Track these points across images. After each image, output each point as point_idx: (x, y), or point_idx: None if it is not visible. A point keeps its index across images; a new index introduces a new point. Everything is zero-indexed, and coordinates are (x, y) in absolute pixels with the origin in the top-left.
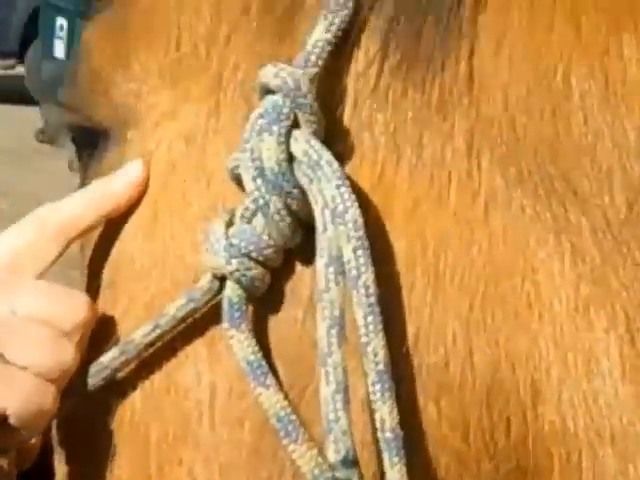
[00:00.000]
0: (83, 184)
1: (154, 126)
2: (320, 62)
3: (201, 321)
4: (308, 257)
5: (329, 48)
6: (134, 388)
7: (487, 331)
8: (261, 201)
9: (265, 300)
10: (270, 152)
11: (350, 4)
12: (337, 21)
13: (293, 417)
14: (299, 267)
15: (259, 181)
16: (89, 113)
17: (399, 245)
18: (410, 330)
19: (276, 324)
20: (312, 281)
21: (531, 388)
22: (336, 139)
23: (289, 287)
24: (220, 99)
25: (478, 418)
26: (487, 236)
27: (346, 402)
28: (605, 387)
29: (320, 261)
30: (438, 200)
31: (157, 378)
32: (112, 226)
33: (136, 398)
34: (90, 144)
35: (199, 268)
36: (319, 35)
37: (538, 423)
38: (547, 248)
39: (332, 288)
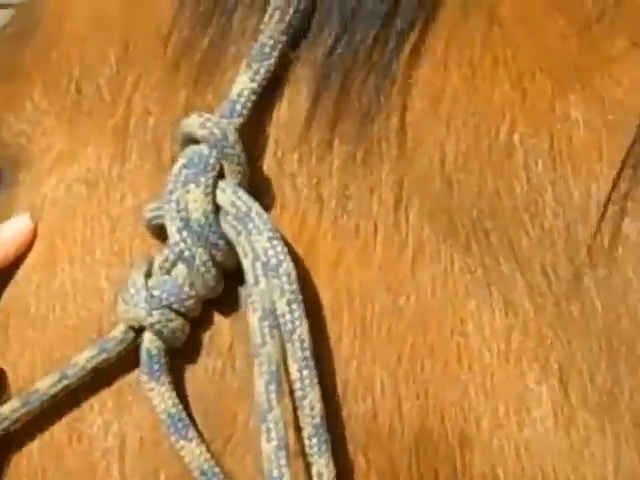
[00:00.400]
0: None
1: (49, 169)
2: (245, 112)
3: (107, 370)
4: (226, 306)
5: (254, 97)
6: (32, 437)
7: (416, 382)
8: (187, 253)
9: (182, 350)
10: (197, 204)
11: (275, 53)
12: (262, 70)
13: (217, 470)
14: (217, 317)
15: (185, 233)
16: None
17: (325, 296)
18: (339, 381)
19: (194, 375)
20: (231, 331)
21: (461, 438)
22: (256, 189)
23: (207, 337)
24: (127, 144)
25: (407, 468)
26: (415, 287)
27: (288, 458)
28: (537, 436)
29: (254, 315)
30: (363, 251)
31: (58, 427)
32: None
33: (34, 447)
34: None
35: (105, 316)
36: (244, 84)
37: (467, 473)
38: (476, 299)
39: (268, 342)
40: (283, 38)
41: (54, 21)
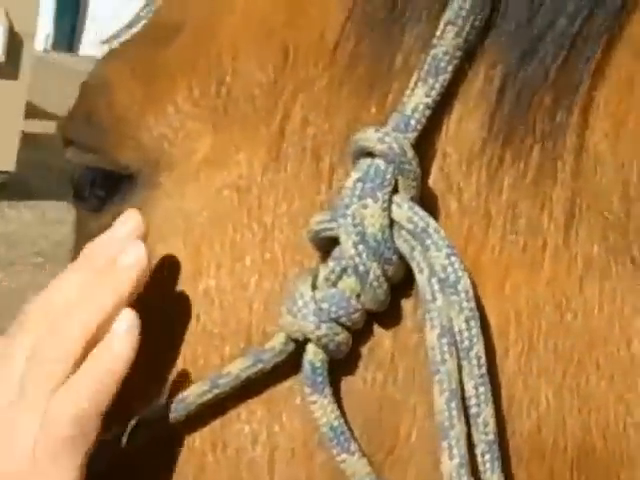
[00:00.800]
0: (86, 231)
1: (194, 173)
2: (419, 127)
3: (257, 379)
4: (387, 319)
5: (428, 113)
6: (175, 445)
7: (580, 397)
8: (361, 267)
9: (341, 362)
10: (374, 219)
11: (451, 68)
12: (437, 86)
13: None
14: (377, 329)
15: (360, 247)
16: (114, 156)
17: (492, 311)
18: (505, 397)
19: (353, 387)
20: (392, 343)
21: (622, 456)
22: (422, 203)
23: (367, 349)
24: (281, 153)
25: None
26: (582, 304)
27: (470, 475)
28: None
29: (432, 332)
30: (531, 267)
31: (202, 435)
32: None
33: (176, 454)
34: (110, 187)
35: (254, 326)
36: (419, 99)
37: None
38: None
39: (448, 360)
40: (458, 54)
41: (204, 23)
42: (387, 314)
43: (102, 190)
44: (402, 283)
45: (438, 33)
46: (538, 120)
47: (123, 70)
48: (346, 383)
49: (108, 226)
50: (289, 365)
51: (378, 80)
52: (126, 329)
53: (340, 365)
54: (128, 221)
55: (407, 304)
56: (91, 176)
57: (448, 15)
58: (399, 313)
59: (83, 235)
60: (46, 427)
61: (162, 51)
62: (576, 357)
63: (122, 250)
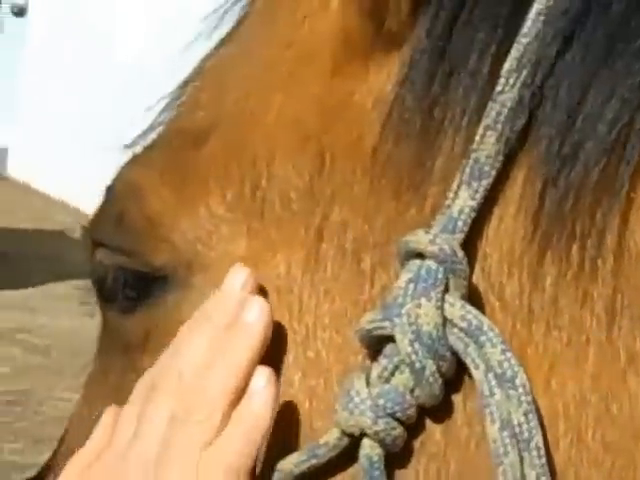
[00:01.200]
0: (119, 332)
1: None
2: (465, 228)
3: (312, 475)
4: (437, 412)
5: (473, 215)
6: None
7: None
8: (417, 365)
9: (396, 455)
10: (428, 317)
11: (494, 173)
12: (481, 189)
13: None
14: (429, 423)
15: (416, 345)
16: (148, 258)
17: (541, 404)
18: None
19: (413, 477)
20: (444, 436)
21: None
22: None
23: (418, 442)
24: (320, 253)
25: None
26: (626, 395)
27: None
28: None
29: (493, 426)
30: (576, 362)
31: None
32: None
33: None
34: (142, 288)
35: (303, 425)
36: (464, 202)
37: None
38: None
39: (510, 452)
40: (500, 158)
41: (236, 127)
42: (438, 408)
43: (134, 291)
44: (452, 379)
45: (478, 138)
46: (578, 221)
47: (151, 176)
48: (399, 476)
49: (143, 324)
50: (342, 460)
51: (416, 183)
52: (264, 385)
53: (393, 458)
54: (237, 274)
55: (457, 398)
56: (122, 278)
57: (487, 121)
58: (449, 407)
59: (113, 335)
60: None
61: (191, 155)
62: (624, 447)
63: (243, 306)
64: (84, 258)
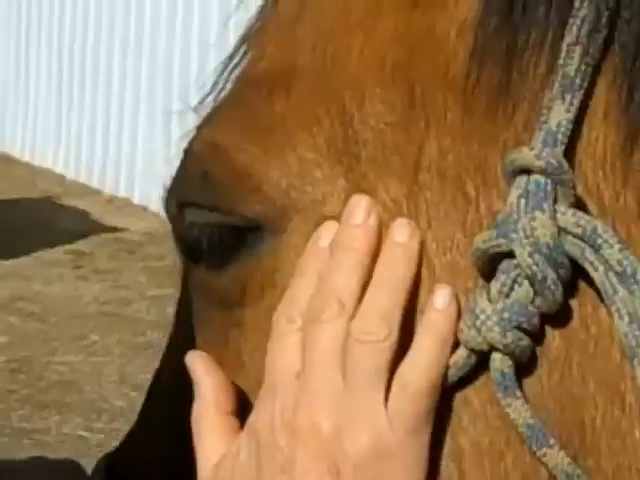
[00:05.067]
0: (212, 289)
1: (330, 213)
2: (565, 140)
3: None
4: (555, 319)
5: (571, 127)
6: None
7: None
8: (539, 275)
9: (520, 366)
10: (544, 229)
11: (585, 84)
12: (575, 101)
13: (579, 471)
14: (548, 330)
15: (536, 256)
16: (239, 212)
17: None
18: None
19: (534, 388)
20: (562, 341)
21: None
22: None
23: (540, 350)
24: (420, 183)
25: None
26: None
27: None
28: None
29: (622, 321)
30: None
31: None
32: None
33: None
34: (233, 242)
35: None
36: (562, 115)
37: None
38: None
39: None
40: (589, 70)
41: (318, 71)
42: (555, 315)
43: (227, 246)
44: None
45: (563, 54)
46: None
47: (232, 133)
48: (526, 385)
49: (239, 277)
50: (470, 377)
51: (507, 104)
52: (449, 302)
53: (518, 369)
54: (361, 204)
55: (571, 303)
56: (216, 234)
57: (570, 37)
58: (565, 313)
59: (204, 295)
60: (403, 400)
61: (270, 107)
62: None
63: (391, 228)
64: (72, 224)
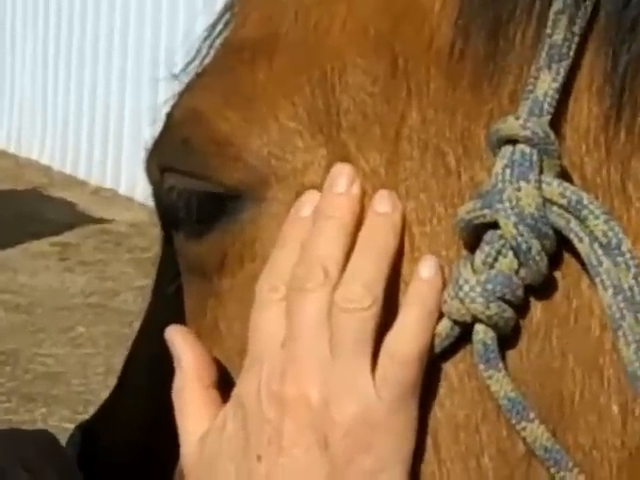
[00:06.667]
0: (190, 257)
1: (311, 181)
2: (552, 110)
3: None
4: (536, 291)
5: (557, 96)
6: None
7: None
8: (524, 245)
9: (501, 339)
10: (529, 199)
11: (572, 53)
12: (562, 70)
13: (558, 446)
14: (529, 302)
15: (521, 227)
16: (219, 179)
17: None
18: None
19: (514, 360)
20: (544, 314)
21: None
22: None
23: (521, 322)
24: (401, 153)
25: None
26: None
27: None
28: None
29: (607, 292)
30: None
31: None
32: None
33: None
34: (213, 209)
35: None
36: (548, 84)
37: None
38: None
39: (626, 315)
40: (576, 39)
41: (300, 40)
42: (537, 288)
43: (207, 213)
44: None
45: (550, 23)
46: None
47: (213, 100)
48: (506, 358)
49: (218, 246)
50: (452, 349)
51: (492, 75)
52: (435, 273)
53: (500, 342)
54: (343, 172)
55: (553, 276)
56: (195, 201)
57: (557, 5)
58: (547, 285)
59: (184, 263)
60: (391, 369)
61: (252, 75)
62: None
63: (374, 199)
64: (58, 215)
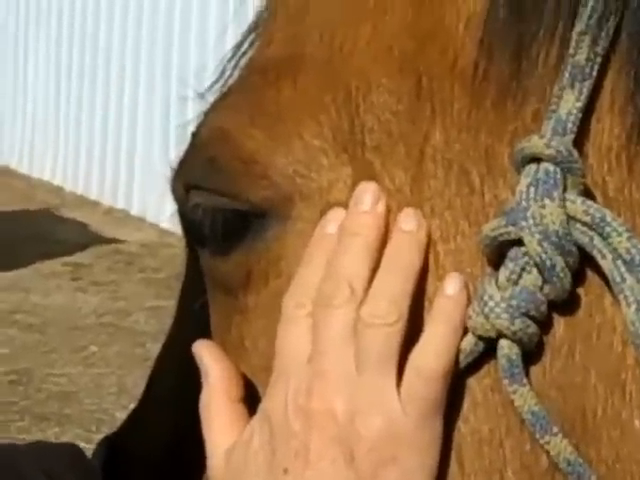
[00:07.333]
0: (217, 275)
1: (335, 201)
2: (575, 129)
3: None
4: (560, 308)
5: (580, 115)
6: None
7: None
8: (548, 262)
9: (525, 354)
10: (553, 216)
11: (594, 73)
12: (585, 90)
13: (581, 460)
14: (552, 318)
15: (545, 244)
16: (244, 197)
17: None
18: None
19: (538, 376)
20: (566, 330)
21: None
22: None
23: (544, 338)
24: (425, 172)
25: None
26: None
27: None
28: None
29: (630, 308)
30: None
31: None
32: None
33: None
34: (239, 227)
35: None
36: (571, 104)
37: None
38: None
39: None
40: (598, 59)
41: (326, 60)
42: (560, 304)
43: (232, 231)
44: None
45: (574, 43)
46: None
47: (239, 118)
48: (529, 373)
49: (243, 263)
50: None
51: (516, 94)
52: (460, 289)
53: (523, 357)
54: (368, 190)
55: (578, 292)
56: (220, 218)
57: (580, 26)
58: (570, 302)
59: (213, 278)
60: (417, 384)
61: (277, 94)
62: None
63: (399, 218)
64: (70, 235)
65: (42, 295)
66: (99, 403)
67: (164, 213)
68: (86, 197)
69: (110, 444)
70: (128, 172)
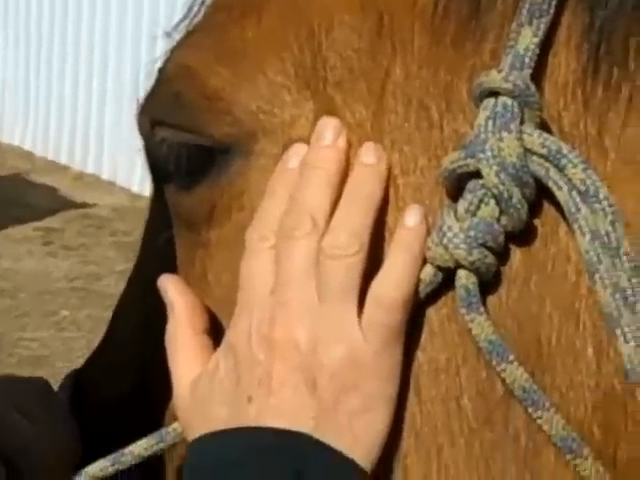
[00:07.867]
0: (181, 209)
1: (298, 134)
2: (532, 64)
3: None
4: (515, 238)
5: (537, 51)
6: None
7: None
8: (505, 194)
9: (481, 284)
10: (510, 149)
11: (552, 10)
12: (542, 26)
13: (535, 387)
14: (508, 248)
15: (502, 175)
16: (208, 133)
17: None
18: None
19: (494, 305)
20: (522, 260)
21: None
22: None
23: (501, 268)
24: (385, 107)
25: None
26: None
27: None
28: None
29: (584, 238)
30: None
31: None
32: None
33: None
34: (202, 163)
35: None
36: (529, 39)
37: None
38: None
39: (603, 260)
40: None
41: (287, 1)
42: (516, 235)
43: (196, 166)
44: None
45: None
46: (617, 46)
47: (204, 56)
48: (486, 303)
49: (207, 198)
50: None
51: (475, 32)
52: (420, 221)
53: (481, 287)
54: (330, 125)
55: (534, 223)
56: (185, 153)
57: None
58: (526, 233)
59: (177, 213)
60: (377, 313)
61: (242, 32)
62: None
63: (359, 152)
64: (41, 200)
65: (13, 260)
66: (70, 366)
67: (135, 177)
68: (56, 162)
69: (75, 378)
70: (98, 137)
